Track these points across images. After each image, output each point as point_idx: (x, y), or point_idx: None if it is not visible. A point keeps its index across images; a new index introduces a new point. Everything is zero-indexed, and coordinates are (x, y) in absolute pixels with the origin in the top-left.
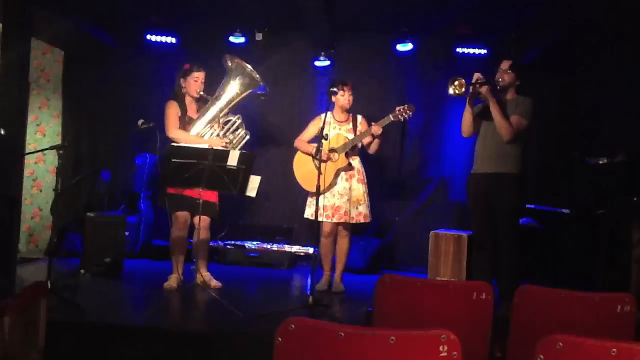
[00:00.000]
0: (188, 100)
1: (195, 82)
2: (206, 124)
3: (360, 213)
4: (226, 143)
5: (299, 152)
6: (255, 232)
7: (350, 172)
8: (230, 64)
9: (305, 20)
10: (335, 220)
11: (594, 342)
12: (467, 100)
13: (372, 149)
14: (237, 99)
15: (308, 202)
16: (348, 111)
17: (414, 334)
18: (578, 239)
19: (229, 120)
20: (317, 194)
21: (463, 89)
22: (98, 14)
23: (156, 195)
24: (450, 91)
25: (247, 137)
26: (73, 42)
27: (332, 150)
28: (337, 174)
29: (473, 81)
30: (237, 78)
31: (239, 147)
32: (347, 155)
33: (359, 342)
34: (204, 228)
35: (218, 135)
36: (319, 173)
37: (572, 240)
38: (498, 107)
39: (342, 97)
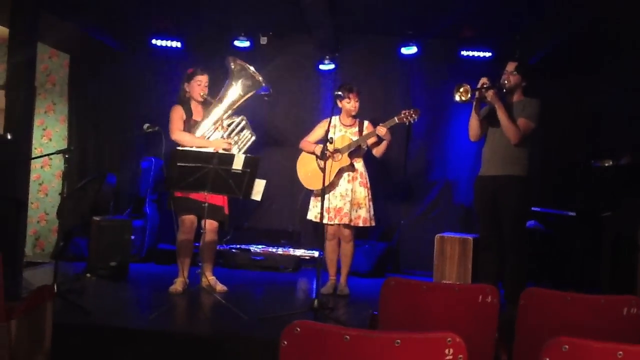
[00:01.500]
0: (193, 104)
1: (198, 85)
2: (210, 126)
3: (359, 216)
4: (230, 144)
5: (303, 153)
6: (260, 236)
7: (353, 174)
8: (233, 66)
9: (309, 23)
10: (337, 222)
11: (600, 344)
12: (473, 106)
13: (379, 152)
14: (240, 101)
15: (312, 204)
16: (355, 116)
17: (419, 337)
18: (584, 241)
19: (233, 122)
20: (322, 195)
21: (469, 95)
22: (104, 18)
23: (162, 199)
24: (457, 98)
25: (253, 138)
26: (79, 46)
27: (336, 151)
28: (339, 175)
29: (478, 86)
30: (240, 79)
31: (245, 148)
32: (351, 156)
33: (364, 344)
34: (211, 231)
35: (222, 137)
36: (324, 175)
37: (578, 242)
38: (505, 110)
39: (348, 104)
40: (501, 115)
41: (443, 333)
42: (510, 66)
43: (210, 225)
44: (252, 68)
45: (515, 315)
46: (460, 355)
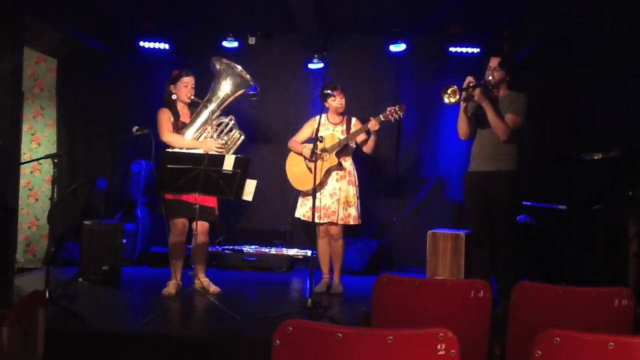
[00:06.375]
0: (180, 106)
1: (185, 87)
2: (199, 127)
3: (349, 215)
4: (221, 144)
5: (291, 153)
6: (252, 236)
7: (341, 173)
8: (218, 66)
9: (297, 23)
10: (325, 220)
11: (591, 336)
12: (461, 105)
13: (369, 148)
14: (229, 100)
15: (299, 202)
16: (342, 114)
17: (411, 333)
18: (575, 234)
19: (222, 122)
20: (313, 196)
21: (457, 96)
22: (91, 22)
23: (153, 202)
24: (446, 100)
25: (242, 137)
26: (66, 50)
27: (323, 150)
28: (327, 174)
29: (465, 86)
30: (227, 79)
31: (234, 148)
32: (338, 155)
33: (357, 342)
34: (202, 233)
35: (212, 137)
36: (314, 175)
37: (569, 236)
38: (492, 108)
39: (334, 102)
40: (490, 114)
41: (435, 329)
42: (494, 62)
43: (201, 226)
44: (239, 67)
45: (508, 310)
46: (453, 351)
